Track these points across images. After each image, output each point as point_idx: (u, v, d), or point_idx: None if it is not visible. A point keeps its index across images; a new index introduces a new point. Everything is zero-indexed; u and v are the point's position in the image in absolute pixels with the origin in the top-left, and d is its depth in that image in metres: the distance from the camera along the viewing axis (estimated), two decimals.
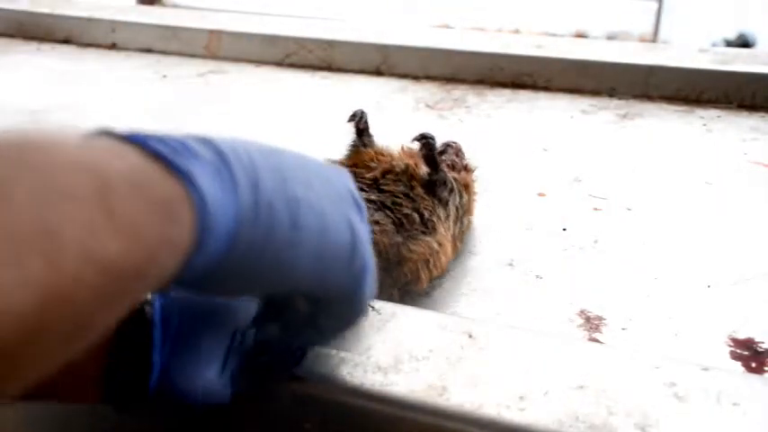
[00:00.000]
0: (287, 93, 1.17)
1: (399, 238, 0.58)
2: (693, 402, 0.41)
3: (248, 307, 0.41)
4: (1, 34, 1.50)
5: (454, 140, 0.72)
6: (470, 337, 0.47)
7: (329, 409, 0.43)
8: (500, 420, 0.41)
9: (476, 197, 0.71)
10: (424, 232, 0.60)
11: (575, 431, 0.39)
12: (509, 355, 0.46)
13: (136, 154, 0.27)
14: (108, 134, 0.28)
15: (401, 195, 0.60)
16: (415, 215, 0.60)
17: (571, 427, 0.40)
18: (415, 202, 0.60)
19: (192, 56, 1.35)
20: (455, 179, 0.65)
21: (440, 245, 0.60)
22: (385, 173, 0.62)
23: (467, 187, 0.68)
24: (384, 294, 0.50)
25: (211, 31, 1.34)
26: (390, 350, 0.44)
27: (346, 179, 0.37)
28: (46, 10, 1.48)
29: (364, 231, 0.36)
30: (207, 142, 0.30)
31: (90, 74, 1.27)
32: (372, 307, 0.47)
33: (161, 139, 0.28)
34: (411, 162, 0.63)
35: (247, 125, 1.04)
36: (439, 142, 0.71)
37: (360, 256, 0.35)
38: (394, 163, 0.62)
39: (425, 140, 0.62)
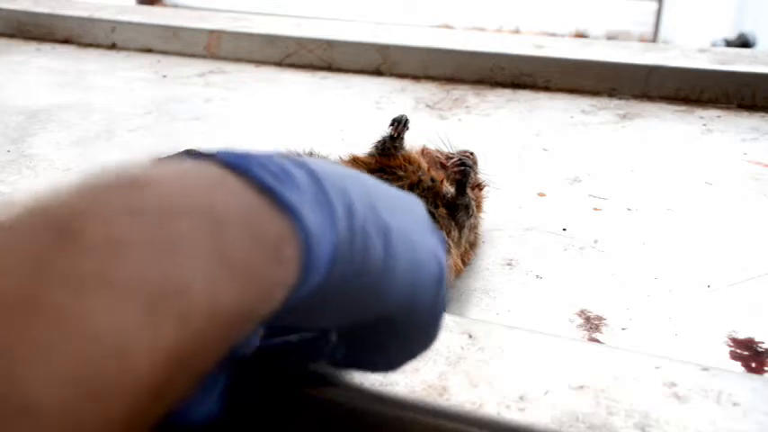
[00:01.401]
0: (287, 93, 1.17)
1: None
2: (693, 402, 0.41)
3: None
4: (1, 34, 1.50)
5: (471, 150, 0.70)
6: (470, 337, 0.47)
7: (329, 409, 0.43)
8: (500, 420, 0.41)
9: (483, 214, 0.71)
10: None
11: (575, 431, 0.39)
12: (509, 355, 0.46)
13: (242, 186, 0.26)
14: (209, 159, 0.26)
15: None
16: None
17: (571, 427, 0.40)
18: (437, 222, 0.60)
19: (192, 56, 1.35)
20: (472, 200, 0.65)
21: (449, 268, 0.60)
22: (412, 185, 0.62)
23: (478, 206, 0.67)
24: None
25: (211, 31, 1.34)
26: None
27: (422, 208, 0.36)
28: (46, 10, 1.48)
29: (446, 264, 0.35)
30: (302, 165, 0.29)
31: (90, 74, 1.27)
32: None
33: (263, 164, 0.27)
34: (437, 176, 0.63)
35: (248, 125, 1.04)
36: (440, 139, 0.71)
37: (444, 288, 0.34)
38: (422, 177, 0.62)
39: (463, 168, 0.61)
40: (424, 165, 0.64)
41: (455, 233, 0.62)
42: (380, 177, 0.62)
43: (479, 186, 0.70)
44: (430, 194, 0.62)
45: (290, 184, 0.27)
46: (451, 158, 0.66)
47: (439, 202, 0.61)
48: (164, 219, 0.22)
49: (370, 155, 0.65)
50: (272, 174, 0.26)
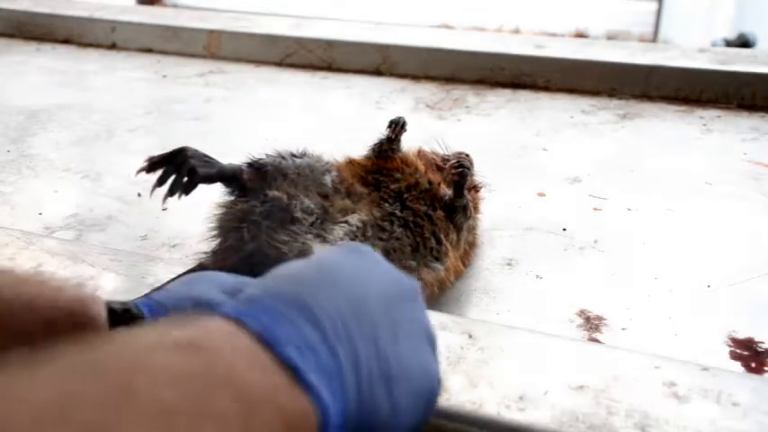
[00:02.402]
0: (287, 93, 1.17)
1: (413, 263, 0.57)
2: (693, 402, 0.41)
3: None
4: (1, 34, 1.50)
5: (466, 152, 0.70)
6: (470, 337, 0.47)
7: None
8: (500, 420, 0.41)
9: (481, 215, 0.70)
10: (436, 258, 0.59)
11: (575, 431, 0.39)
12: (509, 355, 0.46)
13: (272, 364, 0.29)
14: (240, 323, 0.29)
15: (423, 216, 0.60)
16: (432, 240, 0.59)
17: (571, 427, 0.40)
18: (435, 224, 0.60)
19: (192, 56, 1.35)
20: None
21: (447, 270, 0.60)
22: (409, 187, 0.61)
23: (475, 208, 0.67)
24: None
25: (211, 31, 1.34)
26: None
27: (419, 299, 0.38)
28: (46, 10, 1.48)
29: (439, 373, 0.37)
30: (317, 323, 0.31)
31: (90, 74, 1.27)
32: None
33: (290, 337, 0.30)
34: (434, 179, 0.63)
35: (248, 125, 1.04)
36: (436, 141, 0.71)
37: (436, 396, 0.37)
38: (419, 179, 0.62)
39: (462, 169, 0.61)
40: (421, 167, 0.64)
41: (453, 235, 0.61)
42: (378, 179, 0.62)
43: (476, 188, 0.70)
44: (427, 197, 0.61)
45: (311, 357, 0.30)
46: (447, 160, 0.66)
47: (437, 205, 0.61)
48: (205, 390, 0.25)
49: (367, 157, 0.65)
50: (297, 348, 0.30)
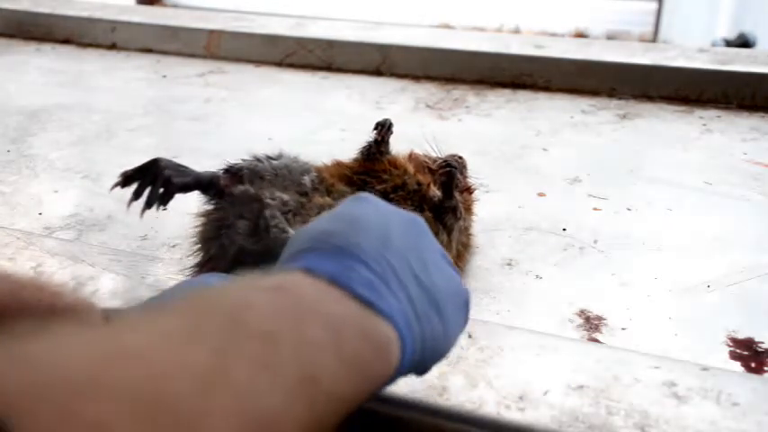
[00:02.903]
0: (287, 93, 1.17)
1: None
2: (693, 402, 0.41)
3: None
4: (1, 34, 1.50)
5: (459, 155, 0.69)
6: (470, 337, 0.47)
7: None
8: (500, 420, 0.41)
9: (474, 217, 0.70)
10: None
11: (575, 431, 0.40)
12: (509, 355, 0.46)
13: (354, 303, 0.32)
14: (316, 274, 0.33)
15: None
16: None
17: (571, 427, 0.40)
18: None
19: (192, 56, 1.35)
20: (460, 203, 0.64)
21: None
22: (396, 188, 0.61)
23: (468, 209, 0.66)
24: None
25: (211, 31, 1.34)
26: None
27: (424, 225, 0.40)
28: (46, 10, 1.48)
29: (464, 282, 0.41)
30: (365, 264, 0.34)
31: (90, 74, 1.27)
32: None
33: (356, 279, 0.33)
34: (423, 180, 0.62)
35: (247, 125, 1.04)
36: (429, 144, 0.71)
37: (470, 307, 0.40)
38: (407, 180, 0.61)
39: (449, 169, 0.61)
40: (411, 169, 0.63)
41: (443, 236, 0.61)
42: (364, 179, 0.61)
43: (468, 189, 0.69)
44: (416, 197, 0.61)
45: (376, 294, 0.33)
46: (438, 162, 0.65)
47: (425, 206, 0.61)
48: (298, 321, 0.29)
49: (355, 160, 0.65)
50: (366, 287, 0.33)
